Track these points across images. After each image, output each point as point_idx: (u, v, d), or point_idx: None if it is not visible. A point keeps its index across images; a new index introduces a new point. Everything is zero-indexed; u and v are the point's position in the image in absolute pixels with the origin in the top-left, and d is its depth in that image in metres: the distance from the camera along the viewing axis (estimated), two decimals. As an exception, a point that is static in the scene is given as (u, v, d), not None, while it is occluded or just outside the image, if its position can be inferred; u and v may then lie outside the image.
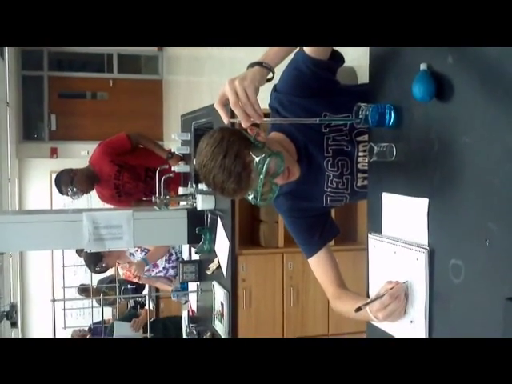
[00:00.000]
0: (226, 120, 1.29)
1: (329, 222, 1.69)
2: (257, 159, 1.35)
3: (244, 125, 1.27)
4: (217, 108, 1.29)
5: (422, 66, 1.23)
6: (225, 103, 1.30)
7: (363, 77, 1.68)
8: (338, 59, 1.51)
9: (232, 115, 1.31)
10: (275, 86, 1.55)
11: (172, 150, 3.76)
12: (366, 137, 1.56)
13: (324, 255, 1.62)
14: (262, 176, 1.34)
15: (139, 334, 3.98)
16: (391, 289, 1.31)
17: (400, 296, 1.31)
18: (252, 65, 1.31)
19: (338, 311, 1.60)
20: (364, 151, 1.58)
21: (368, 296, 1.49)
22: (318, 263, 1.63)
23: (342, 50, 1.51)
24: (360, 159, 1.60)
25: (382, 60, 1.45)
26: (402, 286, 1.32)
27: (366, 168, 1.58)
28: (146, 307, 4.56)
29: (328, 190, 1.62)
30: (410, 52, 1.32)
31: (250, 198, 1.40)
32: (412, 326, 1.31)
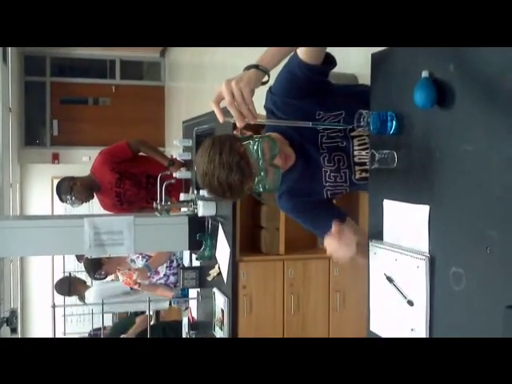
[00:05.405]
0: (220, 119, 1.32)
1: (336, 209, 1.77)
2: (250, 146, 1.45)
3: (238, 124, 1.31)
4: (212, 107, 1.33)
5: (424, 74, 1.23)
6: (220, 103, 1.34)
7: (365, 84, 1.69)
8: (331, 62, 1.56)
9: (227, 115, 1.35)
10: (270, 88, 1.61)
11: (174, 157, 3.76)
12: (360, 131, 1.60)
13: None
14: (260, 158, 1.44)
15: None
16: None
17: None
18: (248, 67, 1.35)
19: None
20: (359, 145, 1.64)
21: (368, 307, 1.48)
22: None
23: (344, 57, 1.52)
24: (356, 153, 1.66)
25: (383, 67, 1.45)
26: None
27: (363, 161, 1.64)
28: (141, 315, 4.54)
29: (327, 184, 1.68)
30: (411, 59, 1.32)
31: (260, 188, 1.48)
32: (413, 333, 1.31)
